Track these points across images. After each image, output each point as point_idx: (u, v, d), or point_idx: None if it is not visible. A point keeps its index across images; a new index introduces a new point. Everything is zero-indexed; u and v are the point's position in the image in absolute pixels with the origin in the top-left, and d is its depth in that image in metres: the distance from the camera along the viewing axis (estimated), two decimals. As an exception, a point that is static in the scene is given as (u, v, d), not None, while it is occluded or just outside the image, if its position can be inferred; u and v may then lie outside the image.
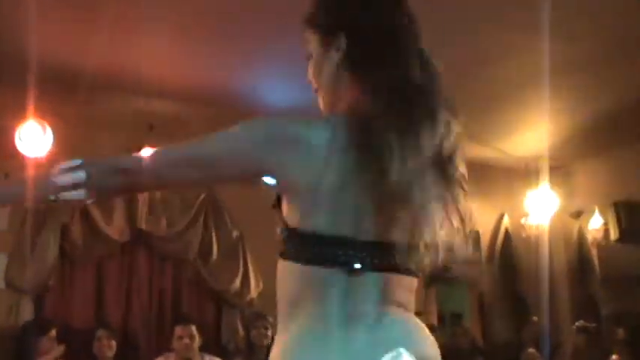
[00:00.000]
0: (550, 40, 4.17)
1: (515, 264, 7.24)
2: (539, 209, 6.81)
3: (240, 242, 5.95)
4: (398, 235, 1.33)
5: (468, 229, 1.40)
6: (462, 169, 1.44)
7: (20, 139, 4.83)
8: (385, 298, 1.35)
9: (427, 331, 1.40)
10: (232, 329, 5.80)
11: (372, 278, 1.34)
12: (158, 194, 5.57)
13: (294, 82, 4.96)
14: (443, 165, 1.38)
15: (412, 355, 1.28)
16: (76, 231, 5.35)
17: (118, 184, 1.44)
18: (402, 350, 1.27)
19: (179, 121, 5.39)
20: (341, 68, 1.44)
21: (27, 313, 5.05)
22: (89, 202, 1.41)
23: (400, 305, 1.38)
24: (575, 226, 7.32)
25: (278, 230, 1.42)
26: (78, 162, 1.39)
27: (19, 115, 4.73)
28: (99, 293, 5.50)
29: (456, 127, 1.41)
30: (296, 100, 4.83)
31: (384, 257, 1.34)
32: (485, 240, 7.18)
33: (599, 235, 6.90)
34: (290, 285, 1.38)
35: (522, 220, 6.96)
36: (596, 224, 6.92)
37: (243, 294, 5.81)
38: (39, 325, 4.84)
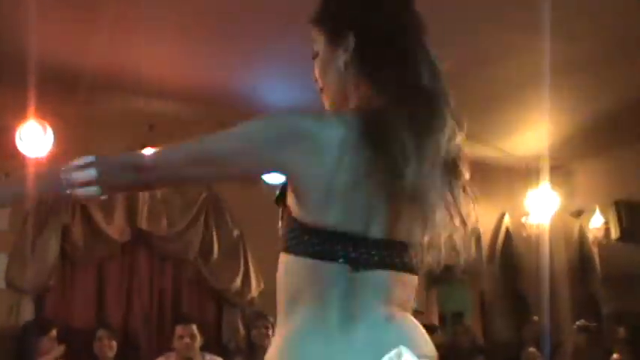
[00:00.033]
0: (550, 40, 4.17)
1: (516, 263, 7.24)
2: (540, 208, 6.82)
3: (240, 241, 5.95)
4: (406, 234, 1.36)
5: (469, 231, 1.41)
6: (465, 170, 1.45)
7: (21, 139, 4.83)
8: (388, 296, 1.36)
9: (424, 331, 1.41)
10: (233, 328, 5.80)
11: (377, 276, 1.35)
12: (158, 194, 5.57)
13: (294, 82, 4.97)
14: (448, 166, 1.40)
15: (413, 354, 1.28)
16: (77, 231, 5.34)
17: (129, 181, 1.44)
18: (403, 349, 1.28)
19: (179, 121, 5.39)
20: (349, 68, 1.44)
21: (27, 313, 5.05)
22: (102, 198, 1.42)
23: (401, 304, 1.39)
24: (575, 225, 7.31)
25: (281, 224, 1.42)
26: (90, 159, 1.39)
27: (20, 115, 4.73)
28: (99, 293, 5.49)
29: (459, 129, 1.42)
30: (296, 100, 4.83)
31: (391, 256, 1.36)
32: (486, 239, 7.17)
33: (600, 234, 6.90)
34: (292, 279, 1.38)
35: (523, 220, 6.96)
36: (596, 223, 6.92)
37: (244, 293, 5.81)
38: (39, 325, 4.84)
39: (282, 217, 1.42)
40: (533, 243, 6.77)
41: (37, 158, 4.81)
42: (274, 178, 1.54)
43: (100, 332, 5.05)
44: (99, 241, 5.44)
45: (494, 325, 7.16)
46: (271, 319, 5.20)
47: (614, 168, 7.00)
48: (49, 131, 4.85)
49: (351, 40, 1.44)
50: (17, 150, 4.81)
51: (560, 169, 7.18)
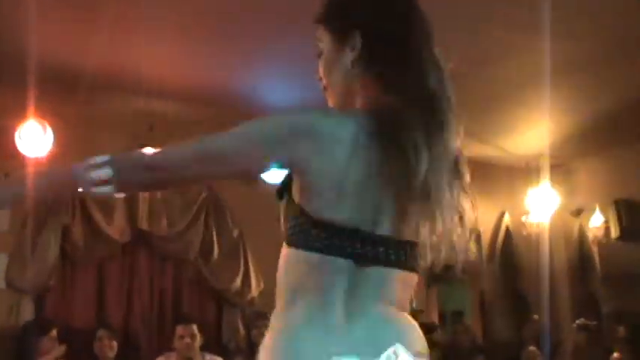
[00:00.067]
0: (550, 40, 4.17)
1: (516, 262, 7.24)
2: (540, 207, 6.82)
3: (241, 241, 5.95)
4: (413, 233, 1.37)
5: (469, 231, 1.42)
6: (465, 171, 1.46)
7: (21, 138, 4.83)
8: (388, 294, 1.37)
9: (420, 331, 1.42)
10: (233, 328, 5.80)
11: (381, 274, 1.36)
12: (158, 194, 5.56)
13: (294, 82, 4.98)
14: (450, 166, 1.41)
15: (409, 353, 1.29)
16: (77, 231, 5.35)
17: (144, 180, 1.46)
18: (399, 347, 1.29)
19: (179, 121, 5.39)
20: (355, 67, 1.45)
21: (28, 313, 5.06)
22: (118, 196, 1.43)
23: (400, 302, 1.40)
24: (575, 224, 7.32)
25: (284, 218, 1.41)
26: (105, 159, 1.40)
27: (20, 114, 4.74)
28: (100, 293, 5.50)
29: (459, 129, 1.44)
30: (296, 99, 4.85)
31: (397, 254, 1.37)
32: (486, 238, 7.18)
33: (600, 233, 6.91)
34: (295, 272, 1.38)
35: (523, 218, 6.97)
36: (596, 222, 6.93)
37: (244, 293, 5.81)
38: (39, 325, 4.85)
39: (287, 211, 1.42)
40: (533, 242, 6.78)
41: (36, 158, 4.81)
42: (274, 178, 1.54)
43: (101, 332, 5.05)
44: (99, 241, 5.44)
45: (494, 324, 7.17)
46: (271, 319, 5.19)
47: (614, 167, 7.01)
48: (49, 131, 4.85)
49: (357, 39, 1.44)
50: (17, 150, 4.81)
51: (560, 168, 7.18)
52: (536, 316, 6.63)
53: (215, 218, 5.91)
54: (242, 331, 5.78)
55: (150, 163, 1.42)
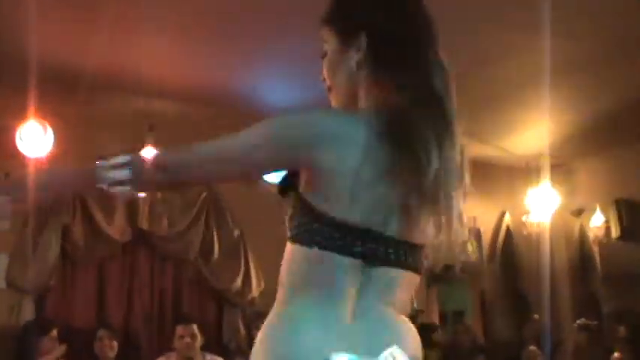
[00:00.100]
0: (550, 40, 4.17)
1: (517, 262, 7.24)
2: (541, 207, 6.81)
3: (241, 241, 5.95)
4: (421, 234, 1.39)
5: (469, 232, 1.43)
6: (467, 172, 1.47)
7: (21, 139, 4.83)
8: (391, 295, 1.38)
9: (417, 334, 1.44)
10: (234, 328, 5.80)
11: (387, 274, 1.37)
12: (159, 194, 5.57)
13: (294, 82, 4.99)
14: (457, 167, 1.42)
15: (406, 355, 1.30)
16: (78, 231, 5.35)
17: (162, 181, 1.47)
18: (396, 349, 1.30)
19: (179, 121, 5.40)
20: (360, 68, 1.45)
21: (28, 313, 5.05)
22: (139, 195, 1.46)
23: (400, 302, 1.41)
24: (576, 223, 7.32)
25: (291, 214, 1.41)
26: (126, 159, 1.42)
27: (20, 115, 4.73)
28: (100, 293, 5.50)
29: (461, 129, 1.44)
30: (296, 99, 4.86)
31: (405, 254, 1.38)
32: (486, 238, 7.18)
33: (601, 232, 6.90)
34: (300, 269, 1.38)
35: (523, 218, 6.96)
36: (597, 222, 6.93)
37: (245, 293, 5.81)
38: (40, 325, 4.85)
39: (293, 209, 1.41)
40: (533, 242, 6.78)
41: (37, 158, 4.81)
42: (273, 177, 1.54)
43: (101, 332, 5.06)
44: (99, 241, 5.44)
45: (495, 324, 7.17)
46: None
47: (614, 167, 7.01)
48: (50, 131, 4.85)
49: (362, 41, 1.44)
50: (17, 150, 4.81)
51: (561, 168, 7.18)
52: (536, 316, 6.63)
53: (215, 218, 5.91)
54: (243, 331, 5.78)
55: (167, 164, 1.44)
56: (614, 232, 6.77)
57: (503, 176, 6.94)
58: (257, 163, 1.40)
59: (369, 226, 1.33)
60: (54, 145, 4.84)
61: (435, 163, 1.32)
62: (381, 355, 1.28)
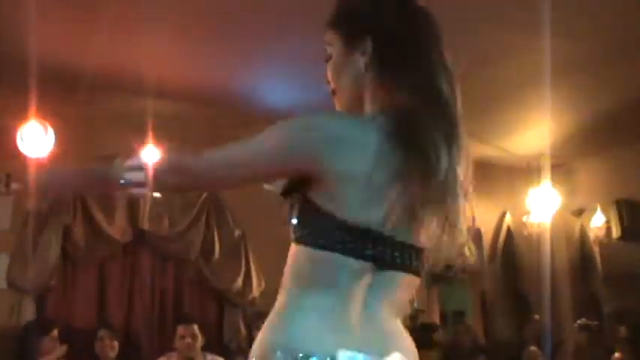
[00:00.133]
0: (550, 40, 4.16)
1: (517, 262, 7.24)
2: (541, 207, 6.81)
3: (242, 241, 5.95)
4: (426, 235, 1.39)
5: (470, 233, 1.43)
6: (468, 173, 1.46)
7: (22, 139, 4.83)
8: (393, 299, 1.40)
9: (412, 342, 1.44)
10: (234, 328, 5.81)
11: (392, 277, 1.38)
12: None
13: (294, 82, 4.98)
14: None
15: None
16: (78, 231, 5.35)
17: (178, 184, 1.50)
18: (398, 356, 1.31)
19: (179, 121, 5.39)
20: (367, 71, 1.45)
21: (29, 313, 5.06)
22: (154, 195, 1.49)
23: (400, 303, 1.43)
24: (577, 224, 7.31)
25: (297, 216, 1.40)
26: (142, 161, 1.44)
27: (21, 115, 4.73)
28: (101, 293, 5.50)
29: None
30: (296, 100, 4.85)
31: (410, 258, 1.39)
32: (487, 238, 7.18)
33: (601, 233, 6.90)
34: (303, 270, 1.38)
35: (524, 218, 6.97)
36: (598, 222, 6.93)
37: (246, 293, 5.81)
38: (41, 325, 4.85)
39: (300, 211, 1.40)
40: (534, 242, 6.78)
41: (38, 158, 4.81)
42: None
43: (102, 332, 5.06)
44: (100, 241, 5.45)
45: (496, 324, 7.17)
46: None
47: (615, 167, 7.00)
48: (50, 131, 4.85)
49: (368, 44, 1.45)
50: (18, 150, 4.82)
51: (562, 168, 7.18)
52: (537, 316, 6.63)
53: (216, 218, 5.92)
54: (243, 331, 5.79)
55: (186, 168, 1.46)
56: (615, 232, 6.76)
57: (503, 176, 6.94)
58: (272, 168, 1.41)
59: (381, 230, 1.33)
60: (54, 145, 4.84)
61: (444, 163, 1.33)
62: (388, 358, 1.29)
